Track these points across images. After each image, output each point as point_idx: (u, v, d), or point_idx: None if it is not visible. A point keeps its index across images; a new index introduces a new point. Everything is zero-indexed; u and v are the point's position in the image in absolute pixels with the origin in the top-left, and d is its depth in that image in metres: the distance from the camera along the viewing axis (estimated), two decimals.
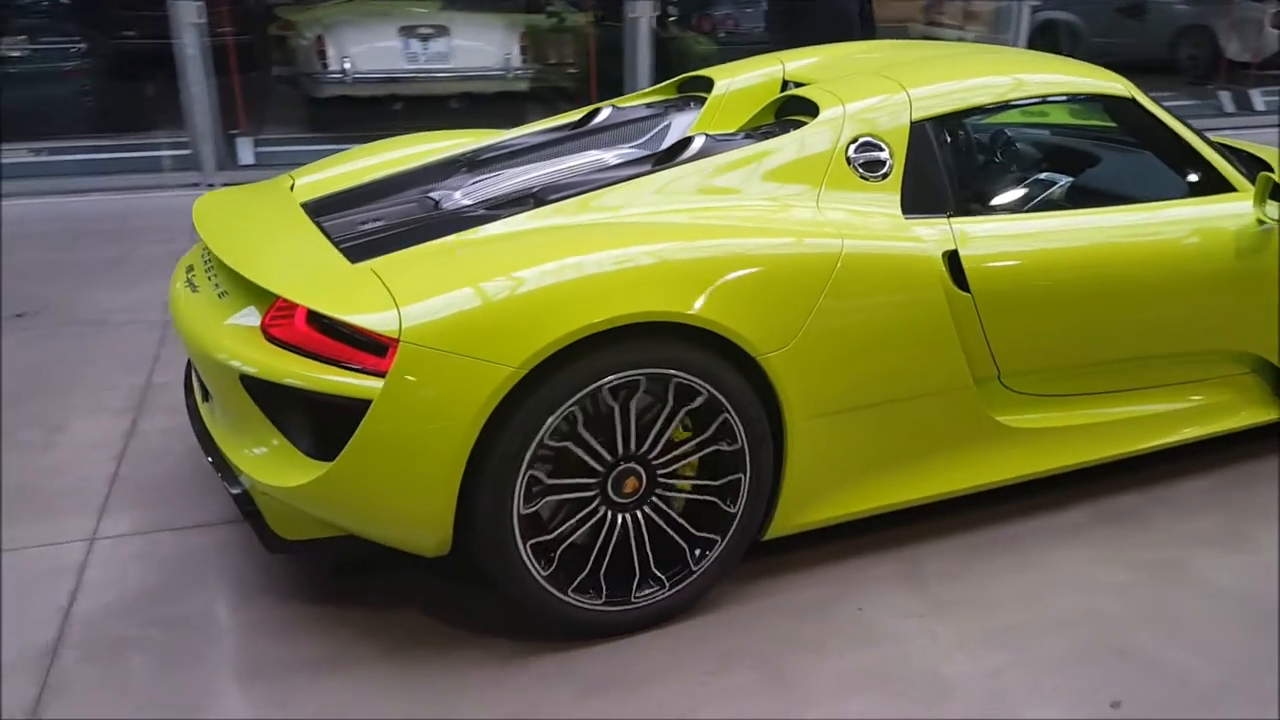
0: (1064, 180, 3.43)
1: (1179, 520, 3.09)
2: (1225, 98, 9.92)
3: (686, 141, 2.89)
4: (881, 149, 2.82)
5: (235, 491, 2.46)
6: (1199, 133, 3.32)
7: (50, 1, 9.08)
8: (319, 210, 2.93)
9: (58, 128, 8.08)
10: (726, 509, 2.56)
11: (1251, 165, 3.52)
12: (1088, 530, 3.03)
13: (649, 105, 3.56)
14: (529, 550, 2.38)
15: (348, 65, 8.08)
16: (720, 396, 2.43)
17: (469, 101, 8.42)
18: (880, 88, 2.96)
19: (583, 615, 2.49)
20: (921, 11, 11.94)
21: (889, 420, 2.73)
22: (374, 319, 2.23)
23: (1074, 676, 2.43)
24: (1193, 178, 3.25)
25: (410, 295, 2.27)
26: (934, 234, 2.76)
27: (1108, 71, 3.30)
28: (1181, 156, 3.26)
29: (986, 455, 2.92)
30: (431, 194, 2.98)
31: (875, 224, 2.72)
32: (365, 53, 8.17)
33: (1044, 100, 3.28)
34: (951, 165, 2.94)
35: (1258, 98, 9.85)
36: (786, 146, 2.80)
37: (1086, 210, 3.10)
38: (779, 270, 2.52)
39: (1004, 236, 2.87)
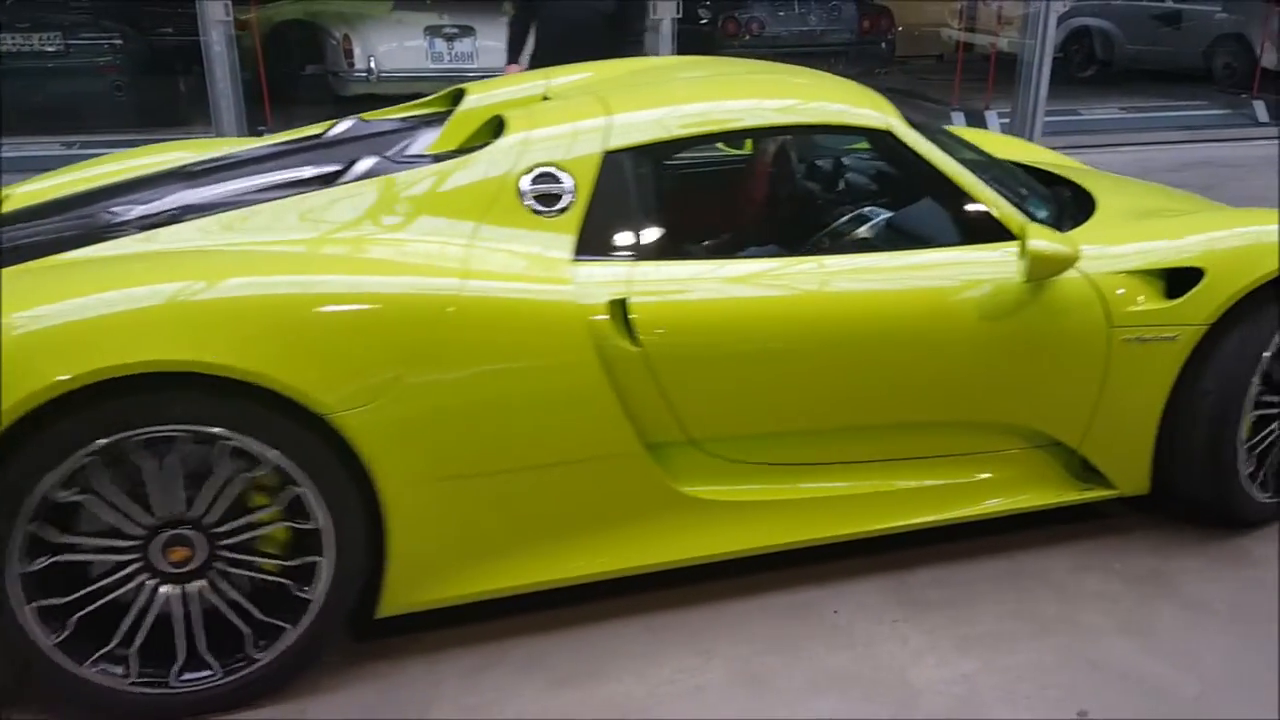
0: (812, 222, 3.07)
1: (1170, 532, 3.07)
2: (1260, 107, 9.79)
3: (355, 162, 2.67)
4: (561, 180, 2.52)
5: None
6: (990, 171, 2.94)
7: None
8: (4, 222, 2.72)
9: (90, 122, 8.27)
10: (301, 594, 2.24)
11: (1083, 207, 3.09)
12: (1080, 539, 3.01)
13: (402, 119, 3.28)
14: (31, 609, 2.11)
15: (373, 64, 8.19)
16: (283, 462, 2.12)
17: None
18: (582, 111, 2.68)
19: (100, 690, 2.18)
20: (953, 16, 11.93)
21: (528, 488, 2.40)
22: None
23: (1045, 685, 2.43)
24: (968, 223, 2.78)
25: None
26: (604, 278, 2.44)
27: (876, 98, 2.90)
28: (952, 198, 2.80)
29: (670, 531, 2.56)
30: (116, 207, 2.69)
31: (521, 265, 2.40)
32: (391, 52, 8.29)
33: (783, 131, 2.99)
34: (652, 202, 2.64)
35: None
36: (452, 173, 2.53)
37: (812, 256, 2.74)
38: (362, 314, 2.20)
39: (695, 282, 2.51)
